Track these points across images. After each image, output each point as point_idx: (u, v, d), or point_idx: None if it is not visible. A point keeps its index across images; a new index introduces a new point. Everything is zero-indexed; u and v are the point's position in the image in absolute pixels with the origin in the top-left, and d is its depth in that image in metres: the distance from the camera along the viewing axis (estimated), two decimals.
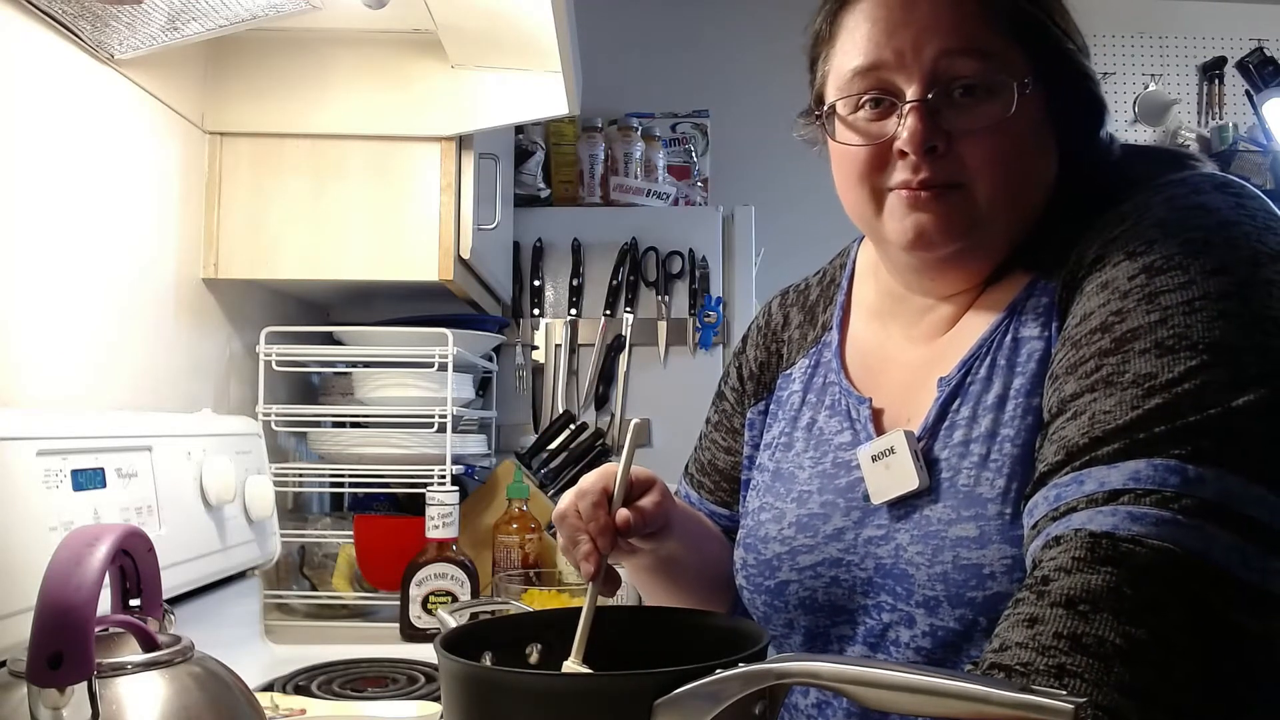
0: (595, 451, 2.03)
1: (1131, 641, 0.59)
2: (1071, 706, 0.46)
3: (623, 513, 0.80)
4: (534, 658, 0.74)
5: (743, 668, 0.55)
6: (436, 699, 1.11)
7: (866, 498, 0.84)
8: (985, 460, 0.77)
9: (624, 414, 2.41)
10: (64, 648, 0.57)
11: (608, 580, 0.80)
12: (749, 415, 1.02)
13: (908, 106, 0.79)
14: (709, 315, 2.41)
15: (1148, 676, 0.58)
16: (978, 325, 0.84)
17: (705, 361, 2.42)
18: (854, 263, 1.00)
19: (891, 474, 0.81)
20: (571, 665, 0.71)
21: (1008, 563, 0.73)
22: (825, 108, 0.85)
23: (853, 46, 0.82)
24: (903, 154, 0.79)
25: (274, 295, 1.81)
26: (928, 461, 0.80)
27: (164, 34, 1.23)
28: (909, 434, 0.81)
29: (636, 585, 1.00)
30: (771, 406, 1.00)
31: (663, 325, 2.43)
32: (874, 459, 0.83)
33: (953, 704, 0.49)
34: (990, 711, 0.48)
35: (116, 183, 1.31)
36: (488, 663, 0.71)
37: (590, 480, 0.83)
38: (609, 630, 0.73)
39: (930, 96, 0.78)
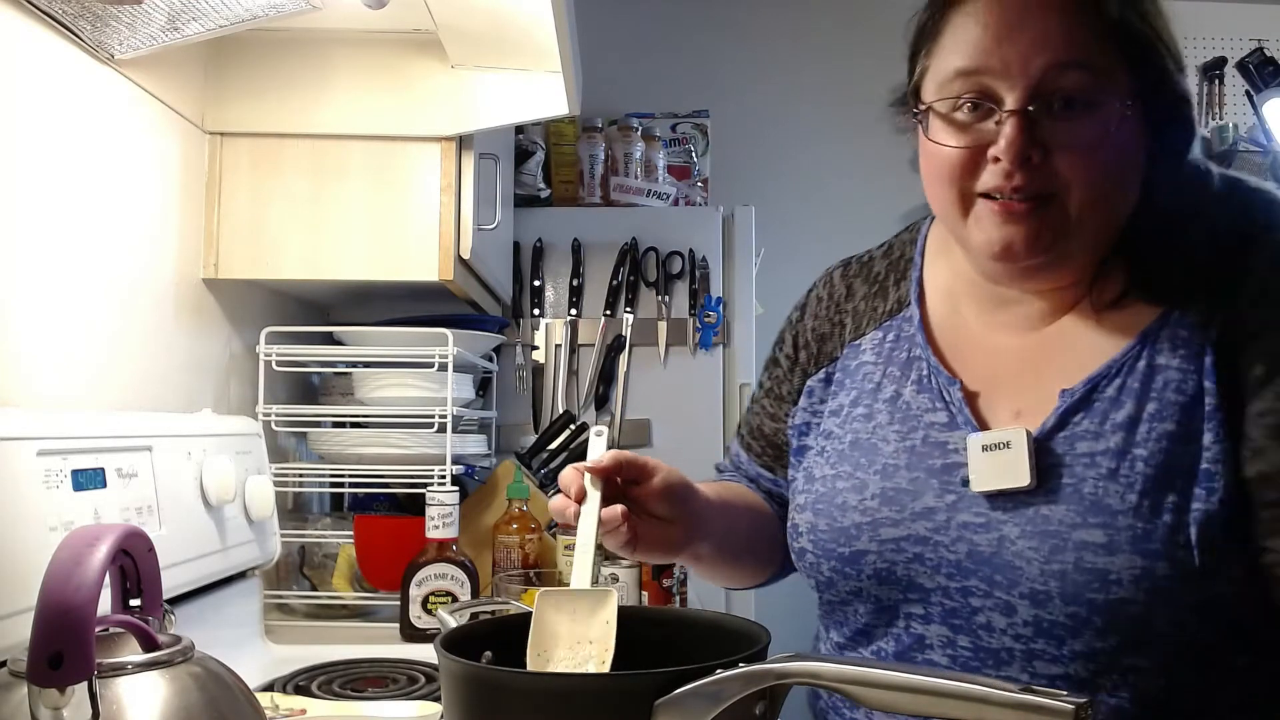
0: None
1: None
2: (1072, 707, 0.46)
3: (611, 510, 0.81)
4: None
5: (743, 668, 0.55)
6: (436, 699, 1.11)
7: (965, 482, 0.85)
8: (1115, 474, 0.79)
9: (624, 414, 2.41)
10: (64, 648, 0.57)
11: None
12: (809, 383, 1.02)
13: (1007, 114, 0.79)
14: (709, 315, 2.41)
15: None
16: (1102, 345, 0.85)
17: (705, 361, 2.42)
18: (924, 239, 1.01)
19: (1001, 467, 0.82)
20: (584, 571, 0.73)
21: (1136, 573, 0.76)
22: (922, 106, 0.85)
23: (958, 47, 0.83)
24: (996, 159, 0.80)
25: (274, 295, 1.81)
26: (1041, 464, 0.82)
27: (164, 34, 1.23)
28: (1029, 434, 0.82)
29: (699, 574, 1.05)
30: (836, 374, 1.00)
31: (663, 325, 2.43)
32: (984, 449, 0.84)
33: (953, 704, 0.50)
34: (990, 712, 0.48)
35: (116, 183, 1.31)
36: (487, 663, 0.71)
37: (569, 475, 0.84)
38: None
39: (1031, 108, 0.79)
